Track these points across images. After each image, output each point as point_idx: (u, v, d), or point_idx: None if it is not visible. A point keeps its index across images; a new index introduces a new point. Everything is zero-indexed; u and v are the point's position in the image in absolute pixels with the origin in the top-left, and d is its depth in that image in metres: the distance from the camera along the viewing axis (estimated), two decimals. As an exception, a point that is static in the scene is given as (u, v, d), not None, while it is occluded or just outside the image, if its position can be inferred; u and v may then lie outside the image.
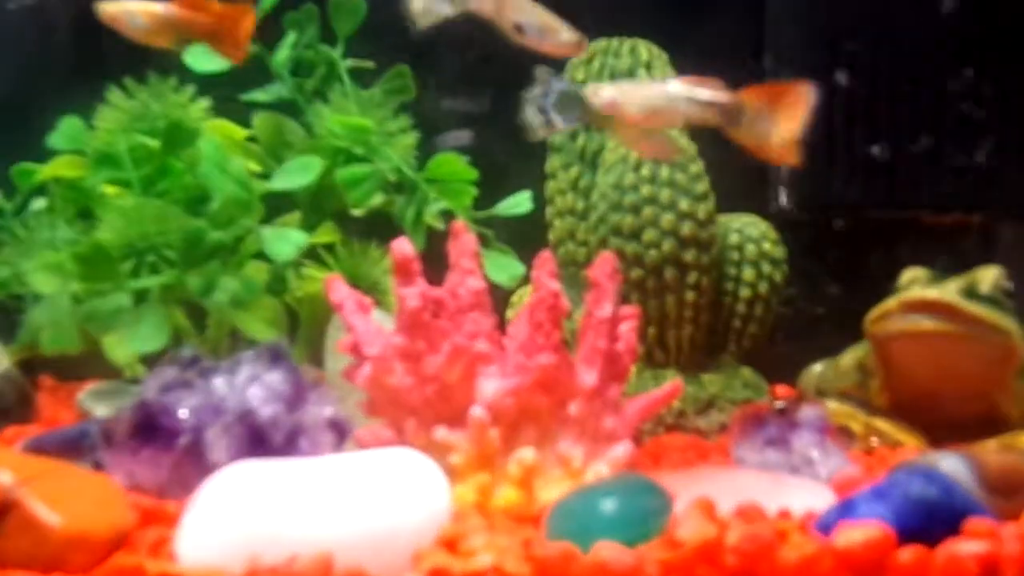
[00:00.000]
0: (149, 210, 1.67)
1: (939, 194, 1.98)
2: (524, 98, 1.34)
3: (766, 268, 1.73)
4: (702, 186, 1.64)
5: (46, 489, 1.07)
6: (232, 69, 1.72)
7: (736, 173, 1.99)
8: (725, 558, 1.01)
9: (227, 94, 1.82)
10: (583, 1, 1.79)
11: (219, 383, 1.36)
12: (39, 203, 1.77)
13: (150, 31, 1.57)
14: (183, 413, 1.29)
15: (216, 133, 1.78)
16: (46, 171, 1.76)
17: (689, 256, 1.63)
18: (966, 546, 1.01)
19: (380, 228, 1.88)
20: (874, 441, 1.58)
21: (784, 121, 1.31)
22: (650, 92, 1.33)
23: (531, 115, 1.33)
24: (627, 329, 1.37)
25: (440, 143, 2.06)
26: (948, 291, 1.50)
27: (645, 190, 1.61)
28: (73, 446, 1.35)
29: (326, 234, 1.89)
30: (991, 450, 1.40)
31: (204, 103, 1.83)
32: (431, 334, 1.29)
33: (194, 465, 1.25)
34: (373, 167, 1.75)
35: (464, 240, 1.32)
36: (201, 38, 1.60)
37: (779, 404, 1.66)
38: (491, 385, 1.29)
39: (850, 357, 1.68)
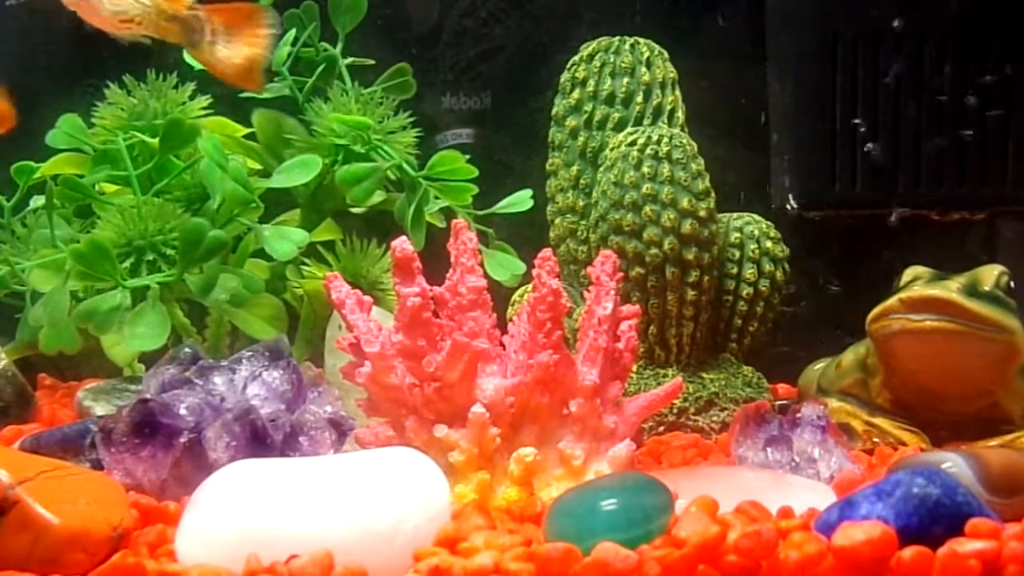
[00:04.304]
0: (148, 208, 1.67)
1: (940, 193, 1.97)
2: None
3: (767, 266, 1.72)
4: (703, 184, 1.63)
5: (45, 488, 1.07)
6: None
7: (737, 171, 1.99)
8: (726, 557, 1.01)
9: (226, 92, 1.81)
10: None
11: (219, 381, 1.36)
12: (38, 201, 1.76)
13: None
14: (183, 412, 1.29)
15: (215, 131, 1.78)
16: (45, 169, 1.76)
17: (690, 254, 1.62)
18: (968, 545, 1.01)
19: (380, 226, 1.88)
20: (875, 440, 1.58)
21: (247, 45, 1.32)
22: None
23: None
24: (628, 327, 1.37)
25: (440, 141, 2.06)
26: (950, 289, 1.50)
27: (646, 188, 1.60)
28: (72, 445, 1.35)
29: (326, 232, 1.89)
30: (993, 449, 1.39)
31: (203, 100, 1.83)
32: (431, 333, 1.29)
33: (194, 464, 1.25)
34: (373, 165, 1.75)
35: (465, 238, 1.32)
36: None
37: (780, 403, 1.66)
38: (491, 383, 1.28)
39: (851, 355, 1.67)
